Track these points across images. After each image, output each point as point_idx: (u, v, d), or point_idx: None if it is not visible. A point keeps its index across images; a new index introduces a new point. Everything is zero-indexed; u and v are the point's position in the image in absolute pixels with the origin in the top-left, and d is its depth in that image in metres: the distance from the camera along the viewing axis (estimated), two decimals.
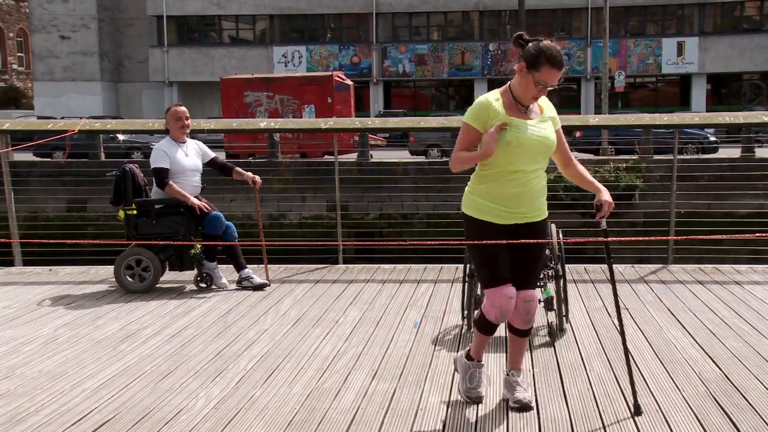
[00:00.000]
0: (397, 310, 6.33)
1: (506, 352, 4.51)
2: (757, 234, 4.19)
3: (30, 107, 49.97)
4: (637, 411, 4.04)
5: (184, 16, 46.64)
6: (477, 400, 4.22)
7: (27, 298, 6.99)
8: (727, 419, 3.96)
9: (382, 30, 45.79)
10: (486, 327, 4.15)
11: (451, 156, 4.05)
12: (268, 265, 7.68)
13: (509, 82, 4.06)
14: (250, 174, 7.42)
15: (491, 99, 3.99)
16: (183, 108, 7.34)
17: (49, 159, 22.59)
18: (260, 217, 8.02)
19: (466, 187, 4.16)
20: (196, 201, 7.16)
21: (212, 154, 7.52)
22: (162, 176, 7.12)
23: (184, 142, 7.32)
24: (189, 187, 7.24)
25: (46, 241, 6.06)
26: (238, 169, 7.49)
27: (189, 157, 7.27)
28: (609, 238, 4.19)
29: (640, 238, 5.19)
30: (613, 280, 4.26)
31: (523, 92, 3.96)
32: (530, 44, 3.95)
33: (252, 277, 7.24)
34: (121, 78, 48.31)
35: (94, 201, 16.53)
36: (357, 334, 5.67)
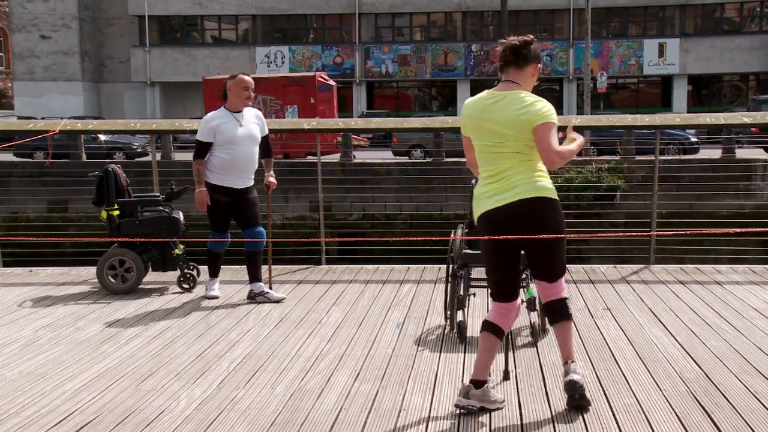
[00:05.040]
0: (379, 311, 6.34)
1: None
2: (736, 230, 4.21)
3: (10, 107, 49.49)
4: (505, 376, 4.53)
5: (166, 15, 46.42)
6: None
7: (7, 299, 6.94)
8: (708, 418, 3.99)
9: (365, 30, 45.78)
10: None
11: (555, 153, 3.90)
12: (272, 266, 7.46)
13: (516, 83, 4.03)
14: (271, 177, 7.07)
15: None
16: (251, 78, 6.82)
17: (29, 159, 22.44)
18: (270, 220, 7.65)
19: (538, 176, 4.02)
20: (202, 194, 6.61)
21: (266, 131, 7.05)
22: (197, 149, 6.65)
23: (240, 111, 6.77)
24: (242, 160, 6.72)
25: (26, 239, 6.00)
26: (270, 162, 7.17)
27: (243, 127, 6.72)
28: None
29: (617, 234, 5.23)
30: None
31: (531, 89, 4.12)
32: (531, 46, 4.04)
33: (267, 292, 6.79)
34: (102, 78, 47.99)
35: (75, 202, 16.45)
36: (340, 334, 5.67)
